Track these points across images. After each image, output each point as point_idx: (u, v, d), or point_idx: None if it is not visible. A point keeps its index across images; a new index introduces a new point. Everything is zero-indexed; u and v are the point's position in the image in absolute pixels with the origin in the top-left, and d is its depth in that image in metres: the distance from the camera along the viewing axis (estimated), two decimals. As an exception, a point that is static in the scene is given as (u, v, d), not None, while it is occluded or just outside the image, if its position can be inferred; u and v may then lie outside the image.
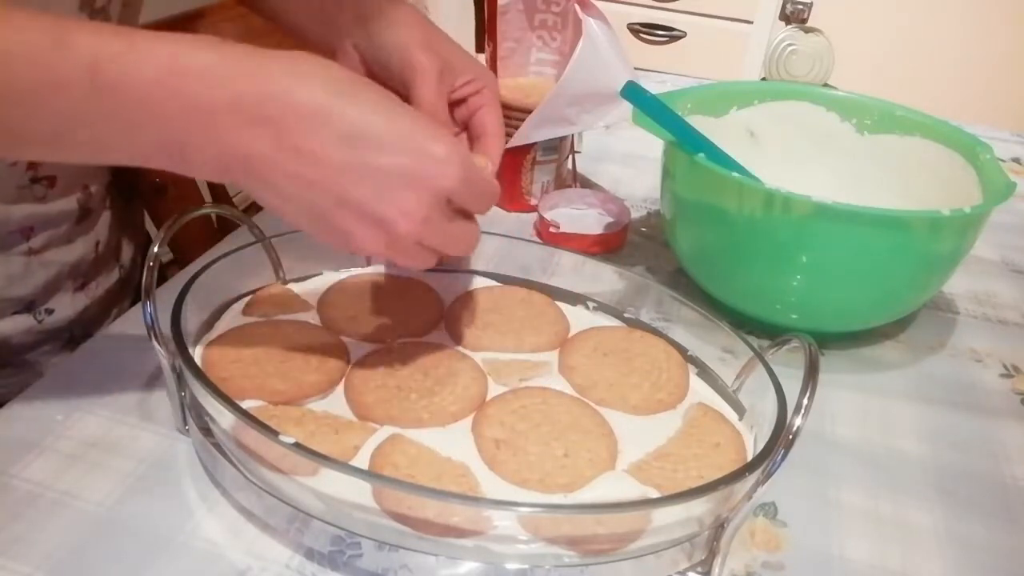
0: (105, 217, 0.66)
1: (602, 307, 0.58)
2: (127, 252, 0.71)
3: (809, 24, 1.38)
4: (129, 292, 0.71)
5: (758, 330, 0.59)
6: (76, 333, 0.64)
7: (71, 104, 0.35)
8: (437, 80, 0.52)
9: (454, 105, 0.54)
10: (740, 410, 0.49)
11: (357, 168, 0.37)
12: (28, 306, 0.59)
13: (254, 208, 1.11)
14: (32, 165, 0.56)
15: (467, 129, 0.55)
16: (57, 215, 0.59)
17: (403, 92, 0.53)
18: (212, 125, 0.36)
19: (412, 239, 0.39)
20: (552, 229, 0.71)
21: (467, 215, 0.43)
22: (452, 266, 0.61)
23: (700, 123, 0.61)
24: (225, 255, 0.53)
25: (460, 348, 0.52)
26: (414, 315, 0.54)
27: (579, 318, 0.56)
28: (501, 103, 0.74)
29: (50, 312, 0.61)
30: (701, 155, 0.58)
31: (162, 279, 0.55)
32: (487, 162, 0.50)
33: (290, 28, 0.63)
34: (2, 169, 0.55)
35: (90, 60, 0.34)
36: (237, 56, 0.37)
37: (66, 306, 0.62)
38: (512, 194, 0.77)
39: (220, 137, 0.36)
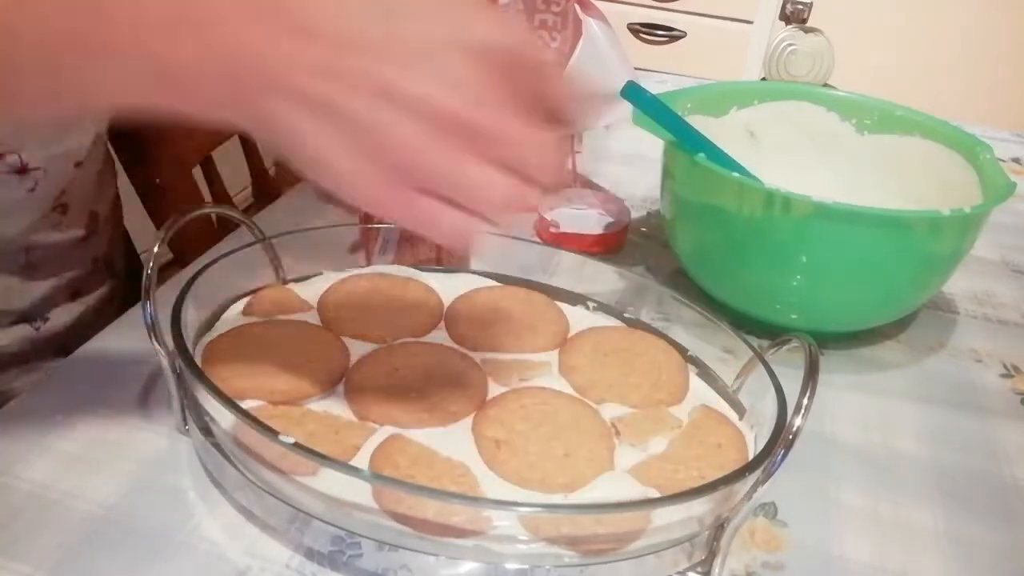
0: (105, 234, 0.66)
1: (602, 307, 0.58)
2: (120, 264, 0.71)
3: (809, 24, 1.38)
4: (118, 301, 0.71)
5: (758, 330, 0.59)
6: (71, 341, 0.64)
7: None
8: None
9: None
10: (740, 410, 0.49)
11: (372, 30, 0.30)
12: (25, 317, 0.59)
13: (254, 208, 1.11)
14: (58, 193, 0.56)
15: None
16: (64, 242, 0.59)
17: None
18: (205, 18, 0.30)
19: (471, 127, 0.31)
20: (552, 229, 0.71)
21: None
22: (452, 266, 0.61)
23: (700, 123, 0.61)
24: (225, 255, 0.53)
25: (460, 348, 0.52)
26: (414, 315, 0.54)
27: (579, 318, 0.56)
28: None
29: (46, 320, 0.61)
30: (701, 155, 0.58)
31: (162, 279, 0.55)
32: None
33: None
34: (30, 199, 0.55)
35: None
36: None
37: (62, 315, 0.62)
38: (512, 194, 0.77)
39: (213, 31, 0.30)
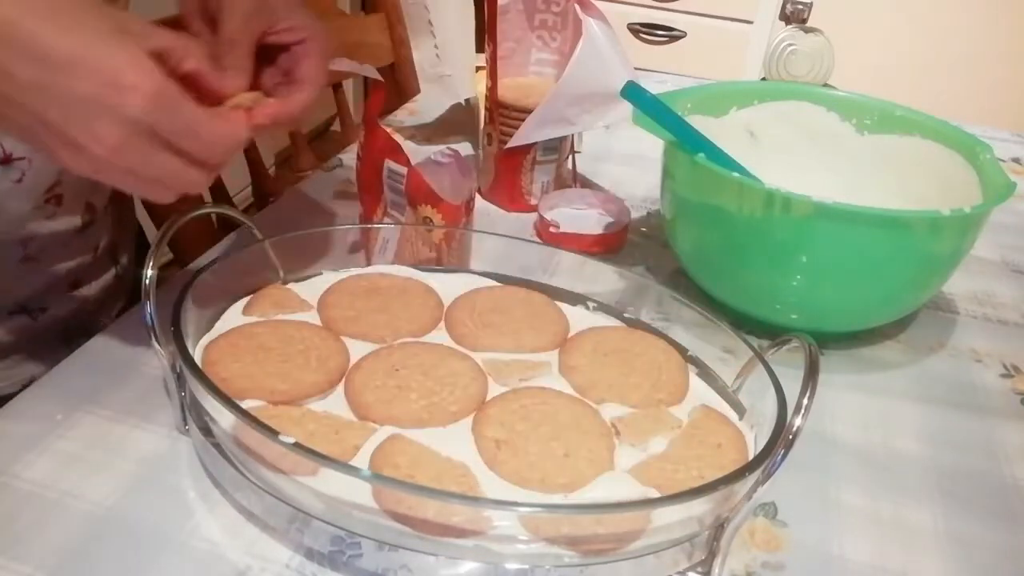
0: (106, 225, 0.66)
1: (602, 307, 0.58)
2: (124, 252, 0.71)
3: (809, 24, 1.38)
4: (125, 290, 0.71)
5: (758, 330, 0.59)
6: (71, 329, 0.64)
7: None
8: (245, 16, 0.49)
9: (274, 51, 0.51)
10: (740, 410, 0.49)
11: (45, 89, 0.36)
12: (23, 307, 0.59)
13: (254, 208, 1.11)
14: (49, 185, 0.56)
15: (288, 79, 0.51)
16: (61, 232, 0.59)
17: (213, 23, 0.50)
18: None
19: (112, 165, 0.38)
20: (552, 229, 0.71)
21: (195, 160, 0.41)
22: (452, 266, 0.61)
23: (700, 123, 0.61)
24: (225, 255, 0.53)
25: (460, 348, 0.52)
26: (414, 315, 0.54)
27: (579, 318, 0.56)
28: (500, 103, 0.74)
29: (44, 311, 0.61)
30: (701, 155, 0.58)
31: (162, 279, 0.55)
32: (252, 98, 0.47)
33: None
34: (20, 190, 0.55)
35: None
36: None
37: (61, 305, 0.62)
38: (512, 194, 0.77)
39: None
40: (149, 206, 0.83)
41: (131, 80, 0.37)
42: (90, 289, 0.64)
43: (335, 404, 0.46)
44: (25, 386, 0.59)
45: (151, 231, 0.52)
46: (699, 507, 0.40)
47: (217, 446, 0.43)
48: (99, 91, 0.36)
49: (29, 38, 0.35)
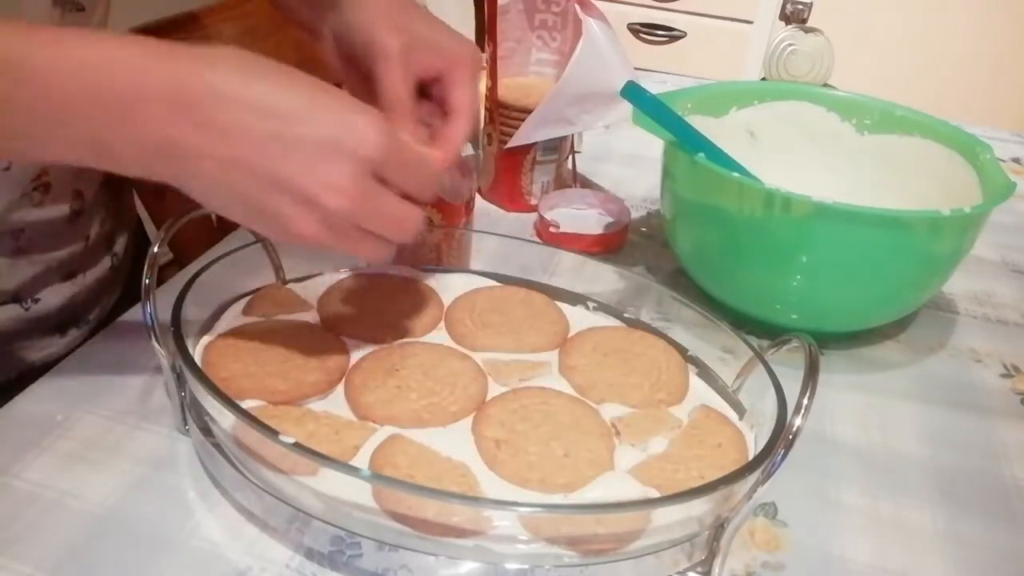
0: (97, 214, 0.66)
1: (602, 307, 0.58)
2: (120, 242, 0.71)
3: (809, 24, 1.38)
4: (121, 280, 0.71)
5: (758, 330, 0.59)
6: (65, 320, 0.64)
7: None
8: (401, 61, 0.50)
9: (430, 83, 0.52)
10: (740, 410, 0.49)
11: (278, 140, 0.36)
12: (14, 297, 0.59)
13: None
14: (36, 174, 0.56)
15: (443, 109, 0.52)
16: (50, 220, 0.59)
17: (369, 74, 0.51)
18: (131, 115, 0.35)
19: (344, 216, 0.38)
20: (552, 229, 0.71)
21: (405, 196, 0.41)
22: (452, 266, 0.61)
23: (700, 123, 0.61)
24: (225, 255, 0.53)
25: (460, 348, 0.52)
26: (414, 315, 0.54)
27: (579, 318, 0.56)
28: (500, 103, 0.74)
29: (37, 301, 0.61)
30: (701, 155, 0.58)
31: (162, 279, 0.55)
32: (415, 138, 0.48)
33: (281, 8, 0.62)
34: (7, 177, 0.55)
35: (11, 54, 0.35)
36: (154, 49, 0.36)
37: (53, 295, 0.62)
38: (512, 194, 0.77)
39: (140, 127, 0.36)
40: (149, 204, 0.83)
41: (363, 121, 0.37)
42: (84, 279, 0.64)
43: (335, 404, 0.46)
44: (20, 375, 0.60)
45: (151, 231, 0.52)
46: (699, 507, 0.40)
47: (217, 446, 0.43)
48: (336, 134, 0.37)
49: (261, 95, 0.36)
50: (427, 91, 0.52)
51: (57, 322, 0.63)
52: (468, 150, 0.62)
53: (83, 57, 0.35)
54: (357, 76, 0.52)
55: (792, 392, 0.41)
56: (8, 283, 0.59)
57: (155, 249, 0.47)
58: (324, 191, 0.37)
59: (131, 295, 0.71)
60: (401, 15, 0.51)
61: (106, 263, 0.68)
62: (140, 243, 0.77)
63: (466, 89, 0.51)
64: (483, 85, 0.77)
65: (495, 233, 0.63)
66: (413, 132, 0.50)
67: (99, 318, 0.67)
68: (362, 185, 0.38)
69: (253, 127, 0.36)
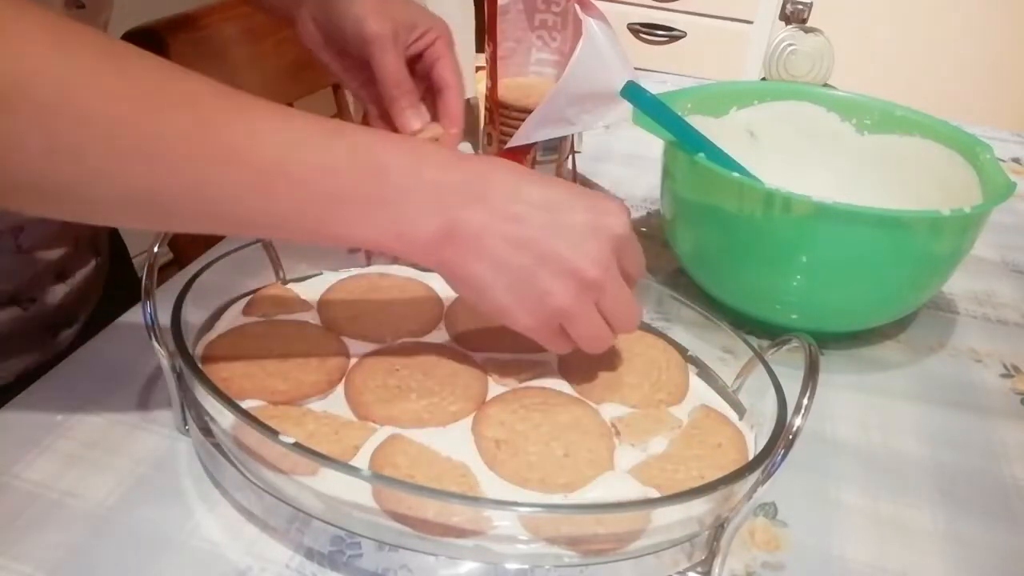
0: None
1: (602, 307, 0.58)
2: (103, 242, 0.71)
3: (809, 24, 1.38)
4: (102, 279, 0.71)
5: (758, 330, 0.59)
6: (59, 321, 0.64)
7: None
8: (393, 46, 0.55)
9: (412, 61, 0.56)
10: (740, 410, 0.49)
11: (555, 226, 0.42)
12: (14, 298, 0.60)
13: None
14: None
15: (429, 84, 0.58)
16: (45, 219, 0.59)
17: (362, 62, 0.57)
18: (440, 201, 0.41)
19: (597, 287, 0.43)
20: (552, 229, 0.71)
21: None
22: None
23: (700, 123, 0.61)
24: (225, 255, 0.53)
25: (460, 348, 0.52)
26: (414, 315, 0.54)
27: (579, 318, 0.56)
28: (500, 103, 0.74)
29: (33, 301, 0.61)
30: (701, 155, 0.58)
31: (162, 279, 0.55)
32: (437, 131, 0.57)
33: None
34: None
35: (353, 146, 0.41)
36: (447, 152, 0.44)
37: (48, 295, 0.62)
38: (512, 194, 0.77)
39: (445, 211, 0.41)
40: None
41: (613, 206, 0.44)
42: (74, 280, 0.65)
43: (335, 404, 0.46)
44: (18, 378, 0.60)
45: (145, 237, 0.52)
46: (699, 507, 0.40)
47: (217, 446, 0.43)
48: (596, 218, 0.43)
49: (533, 190, 0.43)
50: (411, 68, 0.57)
51: (51, 323, 0.63)
52: (468, 150, 0.63)
53: (411, 151, 0.42)
54: (342, 59, 0.59)
55: (792, 392, 0.41)
56: (8, 284, 0.59)
57: (155, 249, 0.47)
58: (588, 264, 0.42)
59: (113, 295, 0.72)
60: (386, 2, 0.56)
61: (92, 264, 0.68)
62: (118, 243, 0.77)
63: (449, 61, 0.57)
64: (483, 85, 0.77)
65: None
66: (418, 109, 0.57)
67: (85, 319, 0.68)
68: (613, 263, 0.44)
69: (536, 216, 0.42)
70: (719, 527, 0.40)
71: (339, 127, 0.41)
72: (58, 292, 0.63)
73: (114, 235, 0.77)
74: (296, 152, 0.39)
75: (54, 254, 0.62)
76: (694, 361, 0.53)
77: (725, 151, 0.60)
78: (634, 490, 0.42)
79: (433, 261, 0.43)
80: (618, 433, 0.46)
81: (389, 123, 0.59)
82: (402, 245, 0.42)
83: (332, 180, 0.40)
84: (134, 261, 0.83)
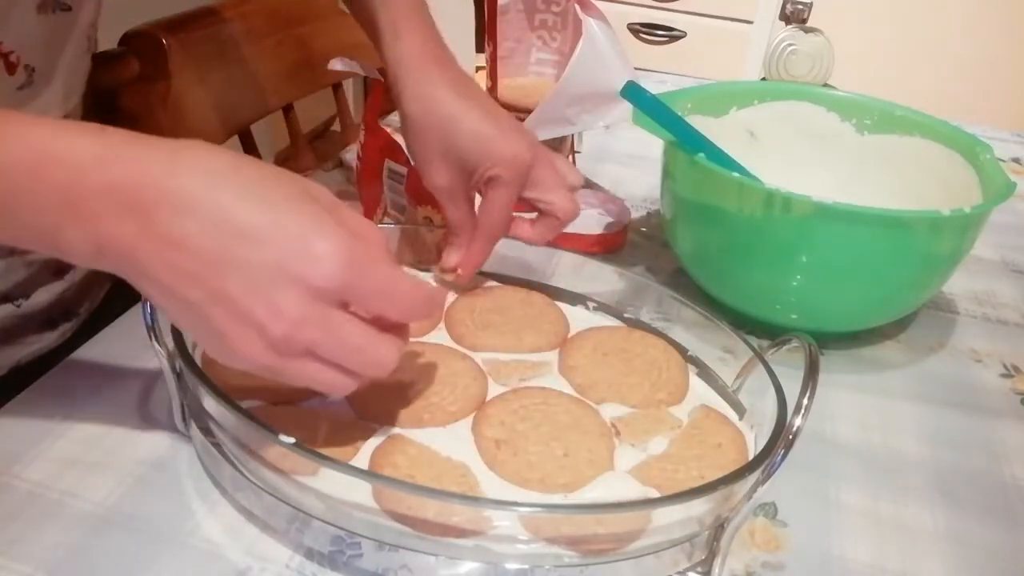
0: None
1: (602, 307, 0.58)
2: None
3: (809, 24, 1.38)
4: (106, 274, 0.71)
5: (758, 330, 0.59)
6: (56, 316, 0.64)
7: None
8: (460, 197, 0.53)
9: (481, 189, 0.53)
10: (740, 410, 0.49)
11: (226, 259, 0.34)
12: (7, 297, 0.60)
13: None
14: None
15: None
16: None
17: (465, 174, 0.52)
18: (82, 212, 0.34)
19: (291, 343, 0.35)
20: (552, 229, 0.71)
21: (386, 326, 0.38)
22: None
23: (700, 123, 0.61)
24: (225, 255, 0.53)
25: (460, 348, 0.52)
26: (414, 315, 0.54)
27: (579, 318, 0.56)
28: (500, 103, 0.74)
29: (27, 297, 0.61)
30: (701, 155, 0.58)
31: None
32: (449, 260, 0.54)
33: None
34: None
35: (30, 142, 0.34)
36: (116, 142, 0.35)
37: (43, 292, 0.62)
38: (512, 194, 0.77)
39: (90, 224, 0.34)
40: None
41: (320, 248, 0.35)
42: (72, 276, 0.65)
43: (335, 404, 0.46)
44: (12, 370, 0.59)
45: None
46: (699, 507, 0.40)
47: (217, 446, 0.43)
48: (285, 259, 0.35)
49: (212, 207, 0.34)
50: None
51: (48, 318, 0.63)
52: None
53: (38, 148, 0.34)
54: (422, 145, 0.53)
55: (792, 392, 0.41)
56: (4, 283, 0.59)
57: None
58: (267, 315, 0.35)
59: (121, 287, 0.71)
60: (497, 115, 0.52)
61: None
62: None
63: (493, 204, 0.52)
64: (483, 85, 0.77)
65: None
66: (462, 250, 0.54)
67: (90, 311, 0.68)
68: (313, 313, 0.35)
69: (204, 243, 0.34)
70: (719, 527, 0.40)
71: (32, 122, 0.35)
72: (55, 289, 0.63)
73: None
74: None
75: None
76: (694, 361, 0.53)
77: (725, 151, 0.60)
78: (634, 490, 0.42)
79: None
80: (618, 433, 0.46)
81: None
82: (63, 256, 0.36)
83: None
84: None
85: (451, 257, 0.55)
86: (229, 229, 0.34)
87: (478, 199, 0.54)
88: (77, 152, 0.34)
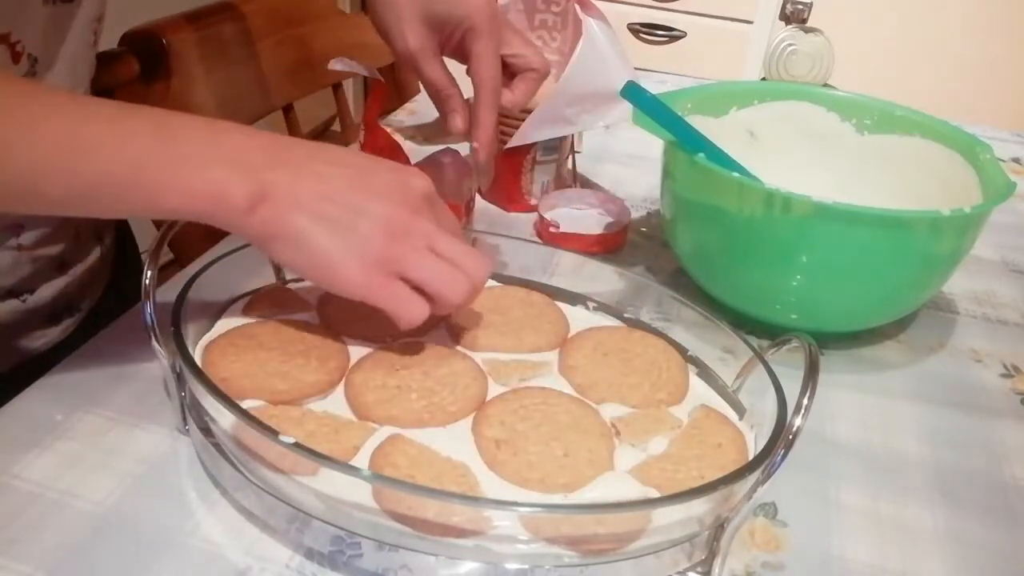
0: None
1: (602, 307, 0.58)
2: (107, 233, 0.71)
3: (809, 24, 1.38)
4: (109, 268, 0.72)
5: (758, 330, 0.59)
6: (59, 311, 0.65)
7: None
8: (432, 57, 0.58)
9: (459, 56, 0.59)
10: (740, 410, 0.49)
11: (360, 182, 0.46)
12: (12, 292, 0.60)
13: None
14: None
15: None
16: (47, 216, 0.59)
17: (435, 32, 0.58)
18: (244, 165, 0.43)
19: (418, 230, 0.46)
20: (552, 229, 0.71)
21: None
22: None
23: (700, 123, 0.62)
24: (225, 255, 0.53)
25: (460, 348, 0.52)
26: (414, 315, 0.54)
27: (579, 318, 0.56)
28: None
29: (32, 292, 0.61)
30: (701, 155, 0.58)
31: (162, 279, 0.55)
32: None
33: None
34: None
35: (147, 118, 0.43)
36: (243, 127, 0.46)
37: (48, 287, 0.63)
38: (512, 194, 0.77)
39: (252, 173, 0.43)
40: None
41: (412, 169, 0.49)
42: (76, 271, 0.65)
43: (335, 404, 0.46)
44: (16, 366, 0.60)
45: (150, 232, 0.52)
46: (699, 507, 0.40)
47: (217, 446, 0.43)
48: (397, 177, 0.47)
49: (338, 156, 0.47)
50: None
51: (51, 312, 0.64)
52: (468, 150, 0.63)
53: (208, 125, 0.45)
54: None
55: (792, 392, 0.41)
56: (8, 281, 0.59)
57: (155, 249, 0.47)
58: (396, 209, 0.46)
59: (118, 283, 0.72)
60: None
61: (96, 253, 0.68)
62: (125, 231, 0.77)
63: (481, 58, 0.58)
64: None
65: (495, 233, 0.63)
66: (462, 112, 0.60)
67: (90, 306, 0.68)
68: (428, 211, 0.47)
69: (338, 172, 0.46)
70: (719, 527, 0.40)
71: (135, 107, 0.43)
72: (59, 284, 0.63)
73: (119, 220, 0.77)
74: (86, 126, 0.41)
75: (54, 249, 0.62)
76: (694, 361, 0.53)
77: (725, 151, 0.60)
78: (634, 490, 0.42)
79: (251, 224, 0.44)
80: (618, 433, 0.46)
81: None
82: (215, 208, 0.43)
83: (129, 146, 0.41)
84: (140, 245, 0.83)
85: (456, 120, 0.60)
86: (351, 164, 0.47)
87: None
88: (237, 125, 0.45)
